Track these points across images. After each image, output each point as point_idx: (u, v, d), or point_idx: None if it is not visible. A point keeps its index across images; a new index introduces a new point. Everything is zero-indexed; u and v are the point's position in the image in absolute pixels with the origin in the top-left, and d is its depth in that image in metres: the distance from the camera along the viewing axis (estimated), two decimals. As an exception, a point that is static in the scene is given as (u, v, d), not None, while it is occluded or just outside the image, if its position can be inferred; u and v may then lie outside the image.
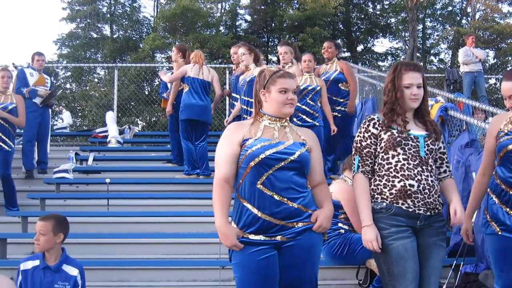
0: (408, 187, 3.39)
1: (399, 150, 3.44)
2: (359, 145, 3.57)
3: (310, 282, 3.26)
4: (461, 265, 4.99)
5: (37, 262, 3.96)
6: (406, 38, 24.30)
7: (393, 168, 3.44)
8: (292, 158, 3.24)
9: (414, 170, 3.41)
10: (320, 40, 20.30)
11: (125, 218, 6.57)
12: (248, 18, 25.80)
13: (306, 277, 3.24)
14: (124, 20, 26.39)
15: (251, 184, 3.22)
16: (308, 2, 22.05)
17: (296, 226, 3.23)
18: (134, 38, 25.96)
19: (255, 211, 3.20)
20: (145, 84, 17.12)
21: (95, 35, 25.81)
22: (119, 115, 12.55)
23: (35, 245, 3.97)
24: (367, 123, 3.57)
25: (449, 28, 25.31)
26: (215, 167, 3.34)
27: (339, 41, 18.90)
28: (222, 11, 25.64)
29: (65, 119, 11.63)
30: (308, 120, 7.05)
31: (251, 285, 3.21)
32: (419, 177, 3.41)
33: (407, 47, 23.70)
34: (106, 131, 10.34)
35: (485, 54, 13.76)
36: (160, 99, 10.45)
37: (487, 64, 22.97)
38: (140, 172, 8.67)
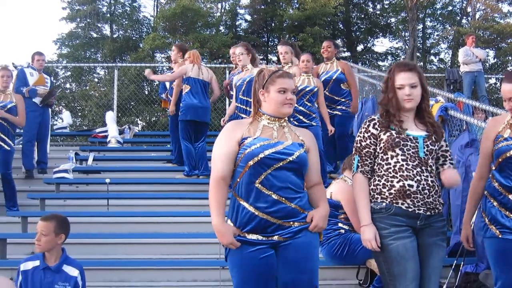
0: (407, 187, 3.39)
1: (397, 150, 3.44)
2: (358, 145, 3.59)
3: (310, 283, 3.25)
4: (462, 265, 4.99)
5: (37, 263, 3.96)
6: (406, 38, 24.30)
7: (392, 168, 3.45)
8: (290, 158, 3.24)
9: (413, 171, 3.41)
10: (320, 40, 20.26)
11: (125, 218, 6.56)
12: (248, 18, 25.85)
13: (304, 277, 3.23)
14: (124, 20, 26.39)
15: (249, 183, 3.22)
16: (308, 1, 22.05)
17: (292, 226, 3.23)
18: (134, 38, 25.96)
19: (252, 209, 3.20)
20: (145, 84, 17.12)
21: (95, 35, 25.82)
22: (119, 115, 12.54)
23: (36, 246, 3.96)
24: (367, 123, 3.58)
25: (449, 28, 25.31)
26: (212, 165, 3.34)
27: (338, 41, 18.88)
28: (222, 11, 25.65)
29: (65, 119, 11.62)
30: (305, 120, 7.06)
31: (249, 285, 3.21)
32: (418, 177, 3.40)
33: (407, 47, 23.70)
34: (106, 131, 10.33)
35: (485, 54, 13.75)
36: (160, 99, 10.45)
37: (487, 64, 22.96)
38: (140, 172, 8.66)
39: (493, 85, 21.92)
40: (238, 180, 3.26)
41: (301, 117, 7.05)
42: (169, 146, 9.11)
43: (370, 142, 3.54)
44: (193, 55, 7.90)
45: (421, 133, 3.49)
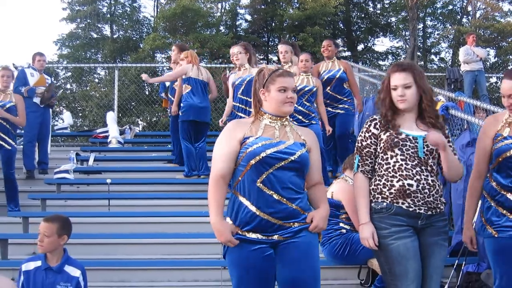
0: (407, 187, 3.39)
1: (396, 151, 3.44)
2: (359, 144, 3.60)
3: (312, 281, 3.24)
4: (463, 265, 4.99)
5: (39, 263, 3.96)
6: (407, 37, 24.30)
7: (392, 168, 3.45)
8: (292, 158, 3.24)
9: (412, 170, 3.41)
10: (320, 39, 20.23)
11: (126, 219, 6.57)
12: (248, 17, 25.84)
13: (304, 277, 3.22)
14: (124, 20, 26.40)
15: (250, 182, 3.22)
16: (308, 1, 22.06)
17: (293, 226, 3.23)
18: (134, 38, 25.97)
19: (253, 209, 3.20)
20: (145, 85, 17.07)
21: (95, 35, 25.83)
22: (120, 115, 12.54)
23: (38, 247, 3.95)
24: (368, 123, 3.59)
25: (450, 27, 25.32)
26: (212, 164, 3.33)
27: (339, 40, 18.86)
28: (222, 11, 25.65)
29: (66, 119, 11.63)
30: (304, 120, 7.04)
31: (249, 284, 3.21)
32: (418, 176, 3.40)
33: (407, 46, 23.71)
34: (107, 131, 10.33)
35: (486, 53, 13.72)
36: (161, 99, 10.44)
37: (488, 63, 22.95)
38: (141, 172, 8.66)
39: (494, 84, 21.90)
40: (240, 178, 3.26)
41: (300, 117, 7.04)
42: (169, 146, 9.11)
43: (371, 142, 3.55)
44: (191, 55, 7.89)
45: (421, 133, 3.47)
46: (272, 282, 3.24)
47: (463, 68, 11.99)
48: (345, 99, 7.76)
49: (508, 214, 3.51)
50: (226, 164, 3.26)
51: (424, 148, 3.43)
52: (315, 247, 3.32)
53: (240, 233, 3.21)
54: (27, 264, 3.98)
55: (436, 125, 3.51)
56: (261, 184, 3.20)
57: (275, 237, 3.21)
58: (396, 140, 3.45)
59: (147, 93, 17.76)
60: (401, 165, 3.42)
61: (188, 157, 7.69)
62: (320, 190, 3.45)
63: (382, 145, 3.49)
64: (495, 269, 3.56)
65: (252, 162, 3.21)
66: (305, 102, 7.14)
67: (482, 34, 22.84)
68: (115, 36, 25.65)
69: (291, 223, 3.23)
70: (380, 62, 26.30)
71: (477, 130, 5.53)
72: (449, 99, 7.10)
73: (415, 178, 3.40)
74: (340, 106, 7.72)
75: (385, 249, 3.42)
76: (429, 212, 3.42)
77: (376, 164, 3.54)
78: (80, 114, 20.40)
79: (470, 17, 25.45)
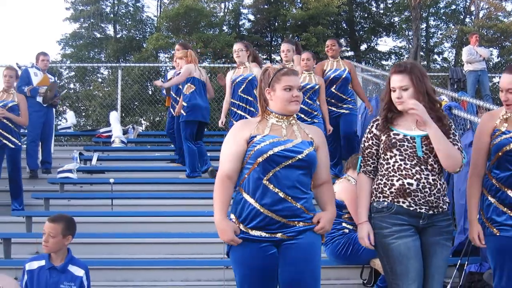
0: (407, 186, 3.40)
1: (395, 151, 3.45)
2: (362, 145, 3.63)
3: (310, 285, 3.24)
4: (466, 265, 4.99)
5: (42, 262, 3.96)
6: (410, 37, 24.28)
7: (392, 168, 3.46)
8: (300, 156, 3.25)
9: (412, 170, 3.41)
10: (323, 39, 20.23)
11: (129, 218, 6.58)
12: (252, 17, 25.84)
13: (305, 278, 3.23)
14: (127, 20, 26.43)
15: (256, 179, 3.23)
16: (311, 1, 22.06)
17: (297, 225, 3.24)
18: (137, 38, 25.99)
19: (257, 206, 3.21)
20: (148, 84, 17.09)
21: (98, 35, 25.85)
22: (123, 115, 12.51)
23: (43, 247, 3.95)
24: (371, 124, 3.62)
25: (453, 27, 25.25)
26: (219, 163, 3.34)
27: (342, 40, 18.84)
28: (225, 10, 25.66)
29: (69, 119, 11.64)
30: (307, 118, 7.04)
31: (252, 282, 3.23)
32: (418, 176, 3.40)
33: (410, 46, 23.69)
34: (110, 131, 10.34)
35: (489, 53, 13.69)
36: (164, 99, 10.44)
37: (491, 63, 22.92)
38: (144, 172, 8.67)
39: (497, 84, 21.78)
40: (246, 176, 3.27)
41: (302, 115, 7.02)
42: (172, 146, 9.11)
43: (372, 143, 3.57)
44: (190, 55, 7.89)
45: (419, 132, 3.46)
46: (275, 281, 3.25)
47: (466, 68, 11.97)
48: (349, 99, 7.75)
49: (509, 212, 3.50)
50: (233, 164, 3.27)
51: (422, 147, 3.42)
52: (317, 248, 3.33)
53: (244, 230, 3.22)
54: (30, 263, 3.99)
55: (441, 126, 3.45)
56: (267, 182, 3.21)
57: (278, 235, 3.22)
58: (393, 141, 3.46)
59: (150, 92, 17.74)
60: (400, 165, 3.43)
61: (192, 158, 7.67)
62: (328, 191, 3.46)
63: (382, 145, 3.51)
64: (495, 268, 3.56)
65: (260, 160, 3.22)
66: (307, 100, 7.13)
67: (485, 34, 22.78)
68: (118, 36, 25.68)
69: (295, 222, 3.23)
70: (383, 62, 26.25)
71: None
72: (452, 99, 7.10)
73: (415, 177, 3.40)
74: (345, 106, 7.69)
75: (386, 249, 3.43)
76: (431, 212, 3.42)
77: (379, 164, 3.55)
78: (84, 114, 20.43)
79: (473, 17, 25.39)
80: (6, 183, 7.31)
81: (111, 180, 7.31)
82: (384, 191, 3.47)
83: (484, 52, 12.00)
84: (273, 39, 25.96)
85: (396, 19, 26.36)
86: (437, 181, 3.44)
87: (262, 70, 3.50)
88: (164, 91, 9.07)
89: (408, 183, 3.40)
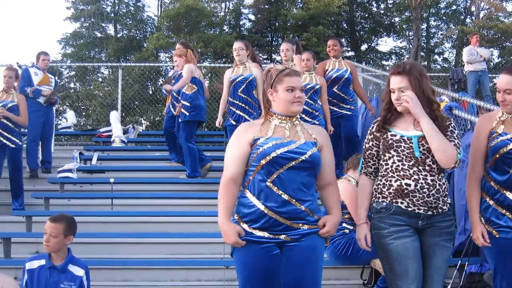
0: (405, 186, 3.40)
1: (392, 152, 3.46)
2: (364, 146, 3.65)
3: (311, 286, 3.24)
4: (466, 265, 4.98)
5: (43, 262, 3.96)
6: (410, 37, 24.27)
7: (390, 169, 3.47)
8: (303, 158, 3.24)
9: (409, 170, 3.41)
10: (324, 39, 20.25)
11: (129, 218, 6.58)
12: (252, 17, 25.83)
13: (307, 280, 3.23)
14: (128, 20, 26.41)
15: (260, 181, 3.22)
16: (312, 1, 22.04)
17: (301, 228, 3.23)
18: (138, 38, 25.96)
19: (261, 207, 3.20)
20: (149, 84, 17.14)
21: (99, 35, 25.83)
22: (123, 114, 12.53)
23: (44, 246, 3.95)
24: (372, 125, 3.63)
25: (453, 27, 25.25)
26: (224, 167, 3.35)
27: (343, 40, 18.86)
28: (226, 10, 25.64)
29: (69, 118, 11.64)
30: (308, 119, 7.00)
31: (254, 282, 3.23)
32: (415, 176, 3.40)
33: (411, 46, 23.67)
34: (110, 130, 10.33)
35: (490, 53, 13.69)
36: (164, 98, 10.42)
37: (492, 63, 22.90)
38: (144, 171, 8.67)
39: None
40: (251, 178, 3.27)
41: (303, 116, 6.99)
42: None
43: (373, 144, 3.58)
44: (190, 55, 7.88)
45: (416, 133, 3.46)
46: (277, 282, 3.24)
47: (466, 68, 11.97)
48: (350, 99, 7.75)
49: (508, 214, 3.50)
50: (237, 167, 3.27)
51: (420, 147, 3.42)
52: (320, 251, 3.33)
53: (248, 229, 3.22)
54: (31, 262, 3.99)
55: (438, 125, 3.44)
56: (271, 184, 3.21)
57: (282, 237, 3.22)
58: (390, 142, 3.47)
59: (150, 92, 17.75)
60: (398, 165, 3.44)
61: (193, 158, 7.67)
62: (333, 193, 3.44)
63: (381, 146, 3.52)
64: (495, 270, 3.55)
65: (263, 162, 3.21)
66: (308, 100, 7.10)
67: (486, 34, 22.77)
68: (119, 36, 25.66)
69: (300, 224, 3.23)
70: (384, 62, 26.23)
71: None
72: (452, 99, 7.10)
73: (412, 178, 3.40)
74: (347, 107, 7.68)
75: (385, 249, 3.44)
76: (429, 212, 3.41)
77: (379, 165, 3.56)
78: (84, 113, 20.43)
79: (473, 17, 25.38)
80: (6, 183, 7.32)
81: (111, 180, 7.31)
82: (383, 192, 3.48)
83: (485, 52, 12.00)
84: (274, 39, 25.95)
85: (397, 19, 26.36)
86: (436, 182, 3.43)
87: (265, 71, 3.49)
88: (164, 91, 9.06)
89: (406, 184, 3.40)
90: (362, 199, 3.59)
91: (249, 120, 7.00)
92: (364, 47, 27.29)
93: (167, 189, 7.83)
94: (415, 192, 3.39)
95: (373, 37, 26.80)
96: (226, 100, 7.49)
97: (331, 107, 7.51)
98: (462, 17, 26.07)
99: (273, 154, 3.20)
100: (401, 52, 26.44)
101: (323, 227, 3.28)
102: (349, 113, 7.67)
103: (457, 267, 4.95)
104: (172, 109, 8.55)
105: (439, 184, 3.44)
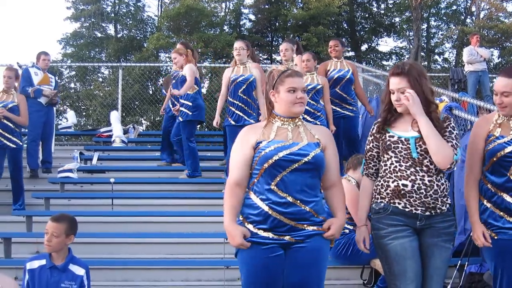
0: (402, 187, 3.41)
1: (390, 153, 3.48)
2: (365, 148, 3.66)
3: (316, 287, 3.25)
4: (466, 265, 4.98)
5: (43, 262, 3.96)
6: (411, 37, 24.27)
7: (388, 169, 3.48)
8: (306, 159, 3.23)
9: (407, 171, 3.42)
10: (324, 39, 20.27)
11: (129, 218, 6.58)
12: (252, 17, 25.82)
13: (312, 282, 3.24)
14: (128, 20, 26.42)
15: (264, 185, 3.23)
16: (312, 1, 22.04)
17: (306, 229, 3.24)
18: (138, 38, 25.97)
19: (266, 209, 3.21)
20: (149, 84, 17.13)
21: (99, 35, 25.83)
22: (124, 114, 12.53)
23: (46, 246, 3.95)
24: (373, 126, 3.64)
25: (454, 27, 25.24)
26: (229, 170, 3.36)
27: (343, 40, 18.86)
28: (226, 10, 25.63)
29: (70, 118, 11.65)
30: (310, 119, 6.99)
31: (257, 283, 3.23)
32: (413, 177, 3.41)
33: (411, 46, 23.67)
34: (111, 130, 10.34)
35: (490, 53, 13.69)
36: (164, 98, 10.43)
37: (492, 63, 22.89)
38: (144, 171, 8.68)
39: (497, 84, 21.79)
40: (255, 180, 3.28)
41: (305, 116, 6.99)
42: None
43: (373, 146, 3.59)
44: (190, 55, 7.88)
45: (414, 134, 3.46)
46: (280, 282, 3.24)
47: (466, 68, 11.97)
48: (352, 100, 7.75)
49: (506, 216, 3.50)
50: (241, 171, 3.28)
51: (417, 148, 3.42)
52: (326, 253, 3.33)
53: (253, 230, 3.22)
54: (31, 262, 3.99)
55: (436, 125, 3.44)
56: (275, 187, 3.21)
57: (287, 238, 3.22)
58: (388, 143, 3.48)
59: (150, 92, 17.75)
60: (396, 166, 3.45)
61: (194, 158, 7.67)
62: (338, 195, 3.42)
63: (381, 147, 3.54)
64: (495, 271, 3.55)
65: (265, 165, 3.22)
66: (310, 101, 7.09)
67: (486, 34, 22.77)
68: (119, 36, 25.67)
69: (304, 225, 3.23)
70: (384, 62, 26.22)
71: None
72: (452, 99, 7.10)
73: (409, 179, 3.41)
74: (349, 108, 7.67)
75: (384, 249, 3.45)
76: (427, 213, 3.42)
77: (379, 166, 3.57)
78: (84, 113, 20.44)
79: (474, 18, 25.38)
80: (7, 183, 7.33)
81: (112, 180, 7.32)
82: (381, 193, 3.49)
83: (485, 52, 12.00)
84: (274, 39, 25.93)
85: (397, 19, 26.35)
86: (434, 182, 3.43)
87: (268, 73, 3.49)
88: (164, 91, 9.07)
89: (403, 184, 3.41)
90: (363, 201, 3.61)
91: (248, 121, 7.01)
92: (364, 47, 27.29)
93: (167, 189, 7.84)
94: (412, 193, 3.40)
95: (373, 37, 26.79)
96: (225, 99, 7.47)
97: (333, 107, 7.50)
98: (463, 17, 26.07)
99: (275, 158, 3.20)
100: (401, 52, 26.45)
101: (328, 230, 3.28)
102: (351, 114, 7.67)
103: (457, 267, 4.95)
104: (172, 109, 8.55)
105: (437, 185, 3.43)
